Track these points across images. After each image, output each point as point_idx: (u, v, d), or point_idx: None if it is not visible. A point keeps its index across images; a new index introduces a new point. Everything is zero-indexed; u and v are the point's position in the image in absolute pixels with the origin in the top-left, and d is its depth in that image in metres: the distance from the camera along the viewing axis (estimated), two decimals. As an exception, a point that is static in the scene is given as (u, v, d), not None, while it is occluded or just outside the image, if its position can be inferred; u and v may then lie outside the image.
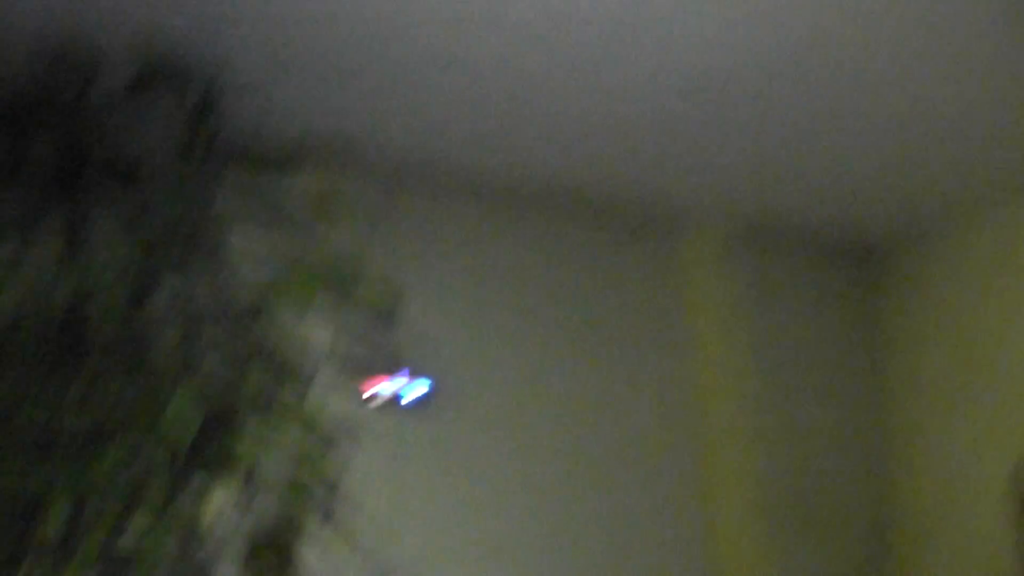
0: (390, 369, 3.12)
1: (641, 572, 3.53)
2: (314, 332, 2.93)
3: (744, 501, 3.78)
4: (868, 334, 4.12)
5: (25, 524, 2.36)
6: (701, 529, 3.66)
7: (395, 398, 3.24)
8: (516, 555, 3.33)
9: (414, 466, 3.17)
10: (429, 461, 3.20)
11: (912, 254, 4.04)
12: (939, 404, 3.90)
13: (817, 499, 3.90)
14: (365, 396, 3.17)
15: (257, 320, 2.47)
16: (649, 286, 3.74)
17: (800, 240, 4.03)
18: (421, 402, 3.19)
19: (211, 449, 2.42)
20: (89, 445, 2.38)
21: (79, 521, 2.47)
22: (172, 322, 2.35)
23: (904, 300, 4.06)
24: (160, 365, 2.35)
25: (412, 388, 3.25)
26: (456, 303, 3.37)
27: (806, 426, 3.90)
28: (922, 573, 3.93)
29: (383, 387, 3.21)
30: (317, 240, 2.64)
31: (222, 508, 2.53)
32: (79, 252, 2.36)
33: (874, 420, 4.09)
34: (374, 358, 3.05)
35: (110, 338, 2.37)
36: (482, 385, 3.32)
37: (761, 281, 3.89)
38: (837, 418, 3.99)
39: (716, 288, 3.81)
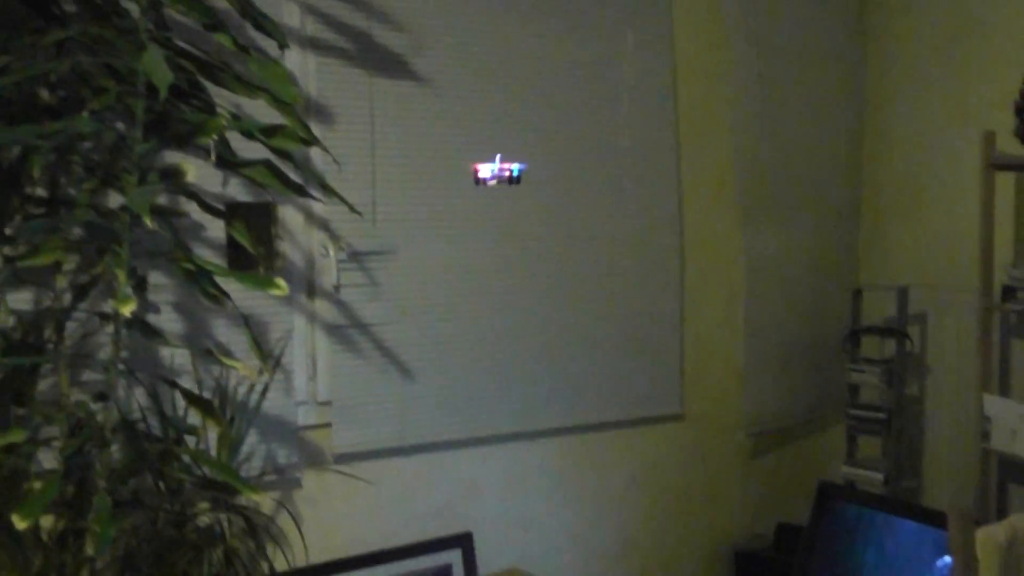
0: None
1: (618, 237, 3.62)
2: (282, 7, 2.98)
3: (717, 176, 3.86)
4: (852, 3, 4.13)
5: (12, 184, 2.44)
6: (675, 204, 3.75)
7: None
8: (488, 220, 3.38)
9: (388, 146, 3.17)
10: (403, 141, 3.20)
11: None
12: (917, 77, 3.94)
13: (792, 175, 3.98)
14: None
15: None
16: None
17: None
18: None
19: (178, 122, 2.48)
20: (67, 105, 2.45)
21: (65, 180, 2.56)
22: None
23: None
24: (131, 24, 2.39)
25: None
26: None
27: (783, 99, 3.93)
28: (893, 243, 4.04)
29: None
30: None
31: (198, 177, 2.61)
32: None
33: (852, 92, 4.12)
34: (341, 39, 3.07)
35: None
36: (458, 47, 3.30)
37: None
38: (816, 92, 4.02)
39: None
